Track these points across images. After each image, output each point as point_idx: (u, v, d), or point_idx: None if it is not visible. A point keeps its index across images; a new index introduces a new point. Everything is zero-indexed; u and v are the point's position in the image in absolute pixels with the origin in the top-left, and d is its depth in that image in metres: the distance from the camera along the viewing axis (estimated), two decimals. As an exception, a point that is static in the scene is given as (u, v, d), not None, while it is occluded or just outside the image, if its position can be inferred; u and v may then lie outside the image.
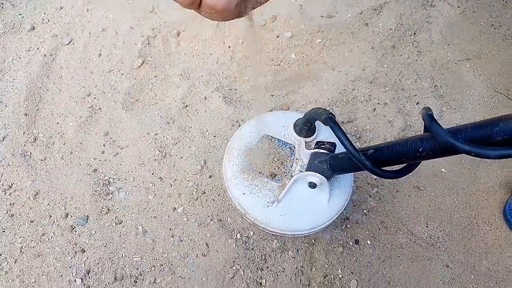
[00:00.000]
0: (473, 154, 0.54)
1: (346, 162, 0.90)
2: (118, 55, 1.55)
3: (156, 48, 1.57)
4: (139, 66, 1.53)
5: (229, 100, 1.48)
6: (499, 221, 1.34)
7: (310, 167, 1.01)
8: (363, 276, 1.23)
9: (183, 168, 1.34)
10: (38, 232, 1.24)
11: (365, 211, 1.32)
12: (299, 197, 1.05)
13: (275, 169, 1.08)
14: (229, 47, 1.57)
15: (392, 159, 0.73)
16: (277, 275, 1.21)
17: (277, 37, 1.59)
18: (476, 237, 1.31)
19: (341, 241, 1.27)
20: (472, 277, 1.25)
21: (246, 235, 1.26)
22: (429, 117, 0.60)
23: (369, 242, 1.28)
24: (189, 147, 1.38)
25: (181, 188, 1.31)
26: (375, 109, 1.48)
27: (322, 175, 0.97)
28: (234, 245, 1.24)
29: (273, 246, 1.25)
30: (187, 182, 1.32)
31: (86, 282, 1.16)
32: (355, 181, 1.35)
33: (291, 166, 1.09)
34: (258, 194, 1.06)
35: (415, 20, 1.66)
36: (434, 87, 1.55)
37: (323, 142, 1.05)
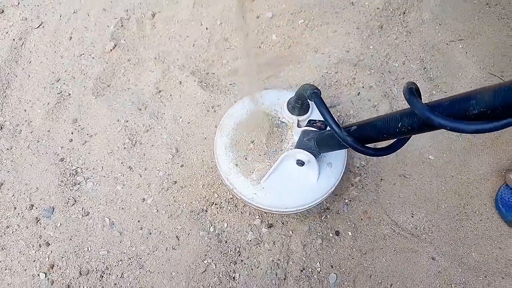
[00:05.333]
0: (448, 128, 0.52)
1: (330, 139, 0.90)
2: (90, 38, 1.47)
3: (130, 31, 1.49)
4: (111, 50, 1.45)
5: (205, 84, 1.40)
6: (490, 210, 1.27)
7: (298, 145, 1.02)
8: (343, 270, 1.16)
9: (154, 157, 1.27)
10: (2, 225, 1.18)
11: (346, 200, 1.25)
12: (287, 174, 1.05)
13: (266, 146, 1.07)
14: (206, 28, 1.49)
15: (374, 135, 0.72)
16: (252, 269, 1.15)
17: (257, 17, 1.50)
18: (465, 228, 1.24)
19: (320, 233, 1.20)
20: (460, 270, 1.18)
21: (220, 227, 1.19)
22: (408, 91, 0.58)
23: (350, 234, 1.21)
24: (161, 134, 1.31)
25: (151, 178, 1.24)
26: (359, 93, 1.40)
27: (309, 152, 0.97)
28: (206, 238, 1.17)
29: (248, 238, 1.18)
30: (158, 171, 1.25)
31: (50, 276, 1.10)
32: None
33: (282, 144, 1.08)
34: (247, 170, 1.06)
35: (405, -1, 1.56)
36: (424, 69, 1.46)
37: (315, 120, 1.05)
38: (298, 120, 1.07)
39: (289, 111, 1.08)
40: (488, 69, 1.46)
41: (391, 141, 0.74)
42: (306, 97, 0.91)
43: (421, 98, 0.57)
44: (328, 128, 0.99)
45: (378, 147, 0.75)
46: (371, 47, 1.47)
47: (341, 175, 1.09)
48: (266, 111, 1.12)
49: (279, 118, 1.11)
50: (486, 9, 1.57)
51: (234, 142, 1.10)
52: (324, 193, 1.06)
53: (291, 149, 1.03)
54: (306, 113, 1.07)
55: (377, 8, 1.52)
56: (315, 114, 1.08)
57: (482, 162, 1.32)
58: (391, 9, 1.53)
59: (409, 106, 0.58)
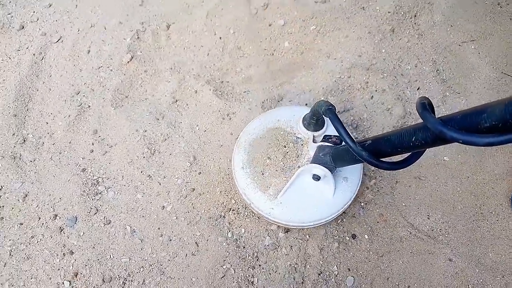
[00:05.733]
0: (461, 141, 0.53)
1: (345, 154, 0.93)
2: (107, 51, 1.51)
3: (146, 42, 1.53)
4: (128, 62, 1.49)
5: (220, 93, 1.43)
6: (507, 210, 1.27)
7: (314, 160, 1.04)
8: (360, 273, 1.18)
9: (172, 165, 1.30)
10: (27, 235, 1.22)
11: (362, 204, 1.26)
12: (304, 189, 1.08)
13: (282, 162, 1.11)
14: (220, 38, 1.52)
15: (388, 150, 0.74)
16: (270, 273, 1.17)
17: (270, 25, 1.53)
18: (481, 228, 1.24)
19: (337, 236, 1.22)
20: (477, 270, 1.18)
21: (238, 232, 1.22)
22: (421, 106, 0.60)
23: (366, 237, 1.22)
24: (179, 143, 1.34)
25: (170, 185, 1.27)
26: (372, 96, 1.41)
27: (325, 167, 1.00)
28: (224, 243, 1.20)
29: (266, 243, 1.20)
30: (176, 179, 1.28)
31: (74, 284, 1.14)
32: (352, 173, 1.29)
33: (298, 159, 1.11)
34: (264, 185, 1.09)
35: (415, 2, 1.57)
36: (436, 71, 1.47)
37: (330, 136, 1.08)
38: (313, 136, 1.10)
39: (304, 127, 1.11)
40: (501, 69, 1.46)
41: (406, 154, 0.76)
42: (321, 113, 0.94)
43: (434, 112, 0.59)
44: (343, 143, 1.01)
45: (393, 160, 0.77)
46: (383, 50, 1.49)
47: (357, 189, 1.12)
48: (282, 127, 1.16)
49: (294, 134, 1.14)
50: (498, 9, 1.57)
51: (251, 158, 1.13)
52: (340, 208, 1.09)
53: (307, 164, 1.06)
54: (322, 128, 1.10)
55: (388, 12, 1.53)
56: (330, 129, 1.10)
57: (497, 162, 1.32)
58: (402, 13, 1.54)
59: (422, 121, 0.60)
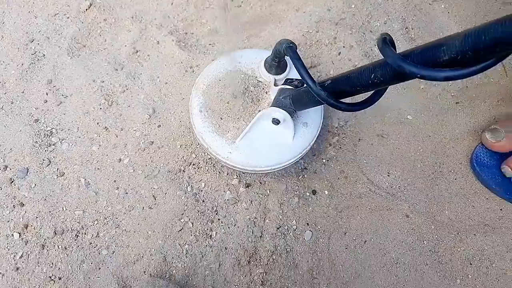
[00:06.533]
0: (419, 76, 0.52)
1: (305, 95, 0.90)
2: (64, -3, 1.43)
3: (106, -11, 1.45)
4: (86, 9, 1.41)
5: (183, 44, 1.38)
6: (466, 169, 1.28)
7: (274, 103, 1.00)
8: (319, 227, 1.18)
9: (130, 117, 1.26)
10: (-24, 186, 1.17)
11: (324, 160, 1.26)
12: (263, 133, 1.04)
13: (242, 105, 1.07)
14: (184, -13, 1.45)
15: (348, 89, 0.72)
16: (229, 227, 1.16)
17: (237, -25, 1.46)
18: (439, 186, 1.26)
19: (297, 192, 1.21)
20: (433, 227, 1.20)
21: (197, 187, 1.20)
22: (382, 41, 0.58)
23: (326, 192, 1.22)
24: (138, 94, 1.29)
25: (128, 138, 1.23)
26: (340, 52, 1.38)
27: (285, 110, 0.97)
28: (183, 197, 1.17)
29: (226, 197, 1.19)
30: (134, 132, 1.24)
31: (24, 236, 1.10)
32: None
33: (259, 103, 1.07)
34: (222, 130, 1.05)
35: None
36: (405, 29, 1.44)
37: (292, 79, 1.04)
38: (275, 79, 1.06)
39: (266, 70, 1.06)
40: (470, 29, 1.44)
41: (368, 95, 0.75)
42: (282, 54, 0.90)
43: (395, 49, 0.57)
44: (304, 85, 0.98)
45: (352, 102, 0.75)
46: (353, 6, 1.45)
47: (317, 134, 1.09)
48: (242, 70, 1.11)
49: (256, 77, 1.10)
50: None
51: (209, 101, 1.09)
52: (299, 152, 1.06)
53: (267, 108, 1.02)
54: (284, 72, 1.06)
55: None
56: (292, 73, 1.06)
57: (459, 122, 1.32)
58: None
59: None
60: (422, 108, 1.33)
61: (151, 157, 1.22)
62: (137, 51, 1.36)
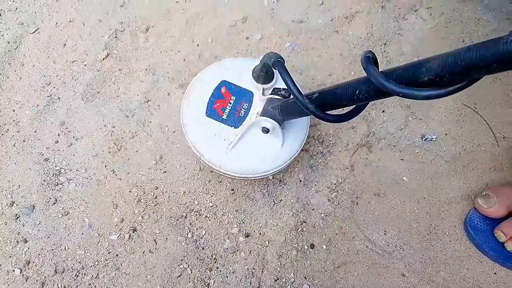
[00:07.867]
0: (401, 94, 0.56)
1: (294, 107, 0.93)
2: (83, 46, 1.51)
3: (123, 42, 1.54)
4: (103, 59, 1.50)
5: (193, 97, 1.45)
6: (460, 232, 1.32)
7: (264, 113, 1.05)
8: (316, 281, 1.19)
9: (138, 162, 1.30)
10: (-21, 220, 1.18)
11: (322, 215, 1.29)
12: (253, 142, 1.08)
13: (232, 114, 1.10)
14: (197, 45, 1.55)
15: (333, 102, 0.76)
16: (227, 276, 1.17)
17: (247, 38, 1.57)
18: (434, 247, 1.29)
19: (296, 245, 1.23)
20: (429, 287, 1.22)
21: (198, 233, 1.22)
22: (365, 59, 0.62)
23: (324, 247, 1.24)
24: (146, 141, 1.34)
25: (133, 182, 1.26)
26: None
27: (274, 120, 1.01)
28: (184, 243, 1.19)
29: (225, 246, 1.20)
30: (140, 176, 1.28)
31: (25, 273, 1.10)
32: (315, 184, 1.32)
33: (248, 113, 1.11)
34: (214, 139, 1.08)
35: (386, 31, 1.66)
36: (401, 100, 1.54)
37: (280, 88, 1.08)
38: (263, 88, 1.10)
39: (254, 79, 1.10)
40: (462, 101, 1.54)
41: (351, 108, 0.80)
42: (270, 65, 0.94)
43: (378, 67, 0.62)
44: (291, 96, 1.02)
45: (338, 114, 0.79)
46: (352, 72, 1.55)
47: (304, 142, 1.14)
48: (231, 79, 1.15)
49: (244, 86, 1.14)
50: (462, 45, 1.63)
51: (200, 111, 1.12)
52: (288, 159, 1.11)
53: (256, 117, 1.07)
54: (271, 81, 1.10)
55: (360, 38, 1.61)
56: (280, 82, 1.11)
57: (453, 186, 1.38)
58: (373, 40, 1.62)
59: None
60: (417, 170, 1.39)
61: (154, 201, 1.24)
62: (148, 101, 1.43)
